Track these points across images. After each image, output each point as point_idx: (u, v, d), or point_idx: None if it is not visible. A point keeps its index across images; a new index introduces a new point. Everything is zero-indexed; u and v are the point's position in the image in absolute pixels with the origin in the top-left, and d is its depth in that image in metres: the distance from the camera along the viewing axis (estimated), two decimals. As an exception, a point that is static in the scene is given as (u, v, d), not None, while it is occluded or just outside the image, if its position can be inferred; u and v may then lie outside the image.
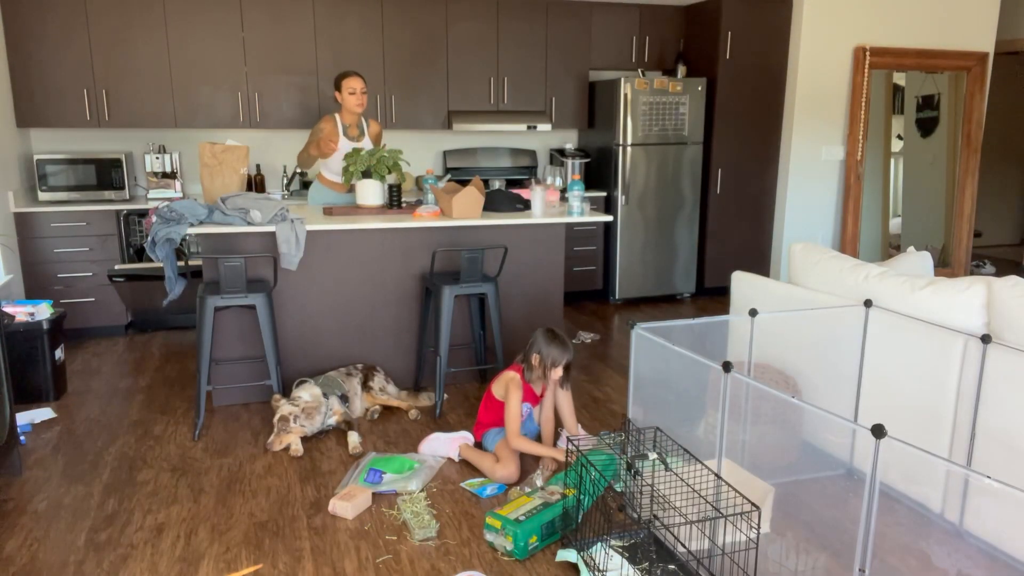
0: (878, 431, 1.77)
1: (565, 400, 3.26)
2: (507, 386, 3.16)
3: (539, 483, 2.89)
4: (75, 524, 2.74)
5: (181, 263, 3.94)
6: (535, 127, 5.76)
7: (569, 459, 2.61)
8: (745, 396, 2.88)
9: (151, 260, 4.90)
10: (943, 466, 2.62)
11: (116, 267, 4.87)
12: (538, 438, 3.30)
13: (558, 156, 6.05)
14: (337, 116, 4.31)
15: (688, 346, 2.51)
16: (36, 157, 4.77)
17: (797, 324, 3.16)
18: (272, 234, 3.69)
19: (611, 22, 5.90)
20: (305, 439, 3.42)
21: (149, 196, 5.11)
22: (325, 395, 3.45)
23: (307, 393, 3.40)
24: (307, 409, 3.34)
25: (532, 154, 6.14)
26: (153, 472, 3.13)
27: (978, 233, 8.25)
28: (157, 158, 5.13)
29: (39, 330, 3.80)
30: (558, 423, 3.45)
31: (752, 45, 5.75)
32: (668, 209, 5.84)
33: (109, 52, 4.92)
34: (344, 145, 4.29)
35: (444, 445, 3.27)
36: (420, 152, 5.97)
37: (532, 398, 3.25)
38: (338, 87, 4.24)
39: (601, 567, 2.29)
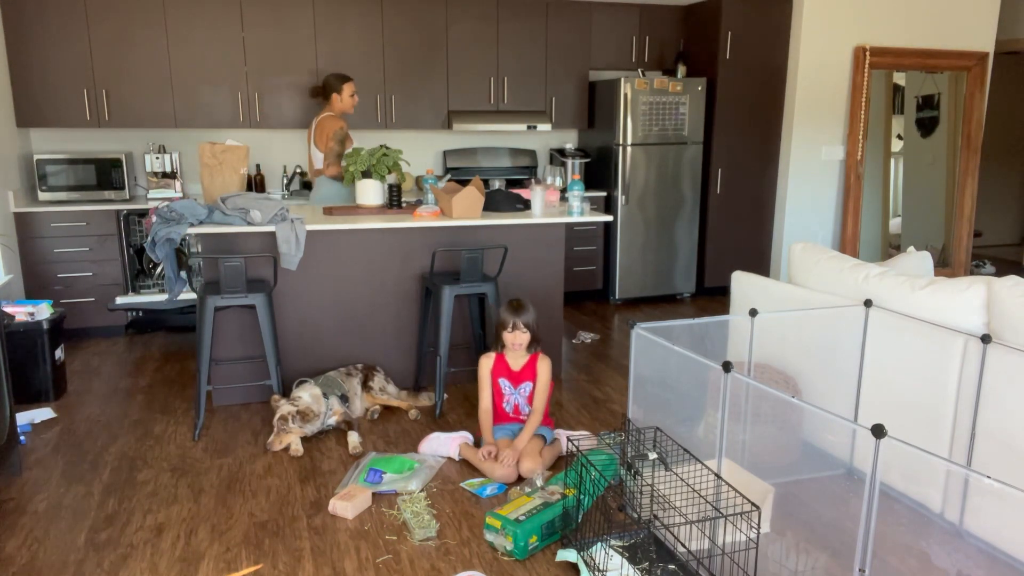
0: (878, 431, 1.77)
1: (543, 374, 3.25)
2: (480, 360, 3.27)
3: (539, 483, 2.89)
4: (75, 524, 2.74)
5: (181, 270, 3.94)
6: (535, 127, 5.76)
7: (569, 459, 2.61)
8: (745, 396, 2.88)
9: (150, 291, 4.97)
10: (943, 466, 2.62)
11: (118, 300, 4.90)
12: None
13: (558, 156, 6.05)
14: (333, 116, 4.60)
15: (688, 346, 2.51)
16: (36, 157, 4.78)
17: (797, 324, 3.16)
18: (272, 234, 3.69)
19: (611, 22, 5.90)
20: (305, 439, 3.42)
21: (149, 196, 5.11)
22: (325, 395, 3.45)
23: (307, 393, 3.40)
24: (306, 410, 3.34)
25: (532, 154, 6.14)
26: (153, 472, 3.13)
27: (978, 233, 8.25)
28: (157, 158, 5.13)
29: (39, 330, 3.80)
30: (560, 423, 3.46)
31: (752, 45, 5.75)
32: (668, 209, 5.84)
33: (109, 52, 4.92)
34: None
35: (444, 444, 3.27)
36: (420, 152, 5.97)
37: (509, 374, 3.25)
38: (339, 89, 4.58)
39: (601, 567, 2.29)
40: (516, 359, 3.25)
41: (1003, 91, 7.96)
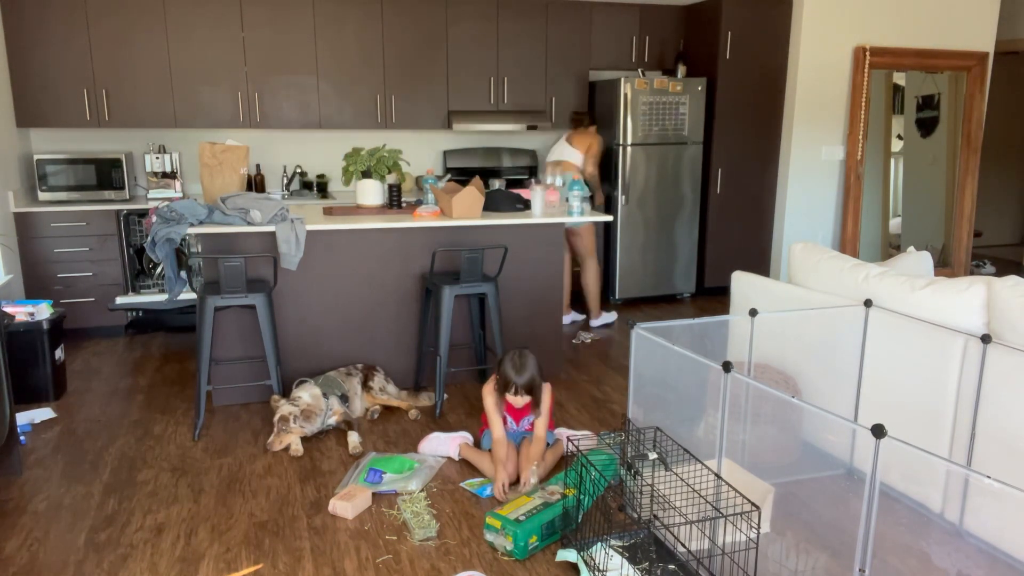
0: (878, 431, 1.77)
1: (544, 405, 3.13)
2: (484, 390, 3.16)
3: (533, 480, 2.89)
4: (75, 524, 2.74)
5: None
6: (535, 127, 5.76)
7: (569, 460, 2.61)
8: (745, 396, 2.88)
9: (150, 291, 4.97)
10: (943, 466, 2.62)
11: (118, 300, 4.90)
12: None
13: (558, 156, 6.04)
14: None
15: (688, 346, 2.51)
16: (36, 157, 4.77)
17: (797, 324, 3.16)
18: (272, 234, 3.69)
19: (611, 22, 5.90)
20: (305, 439, 3.42)
21: (149, 196, 5.11)
22: (325, 395, 3.45)
23: (307, 393, 3.40)
24: (307, 410, 3.34)
25: (532, 154, 6.14)
26: (153, 472, 3.13)
27: (978, 233, 8.25)
28: (157, 158, 5.13)
29: (39, 330, 3.80)
30: (560, 423, 3.45)
31: (752, 45, 5.75)
32: (668, 209, 5.84)
33: (109, 52, 4.92)
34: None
35: (444, 444, 3.27)
36: (420, 152, 5.97)
37: (510, 409, 3.17)
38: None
39: (601, 567, 2.29)
40: (518, 399, 3.15)
41: (1003, 91, 7.96)
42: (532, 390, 3.05)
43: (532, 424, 3.22)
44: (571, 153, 5.18)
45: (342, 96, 5.39)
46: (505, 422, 3.20)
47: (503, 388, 3.08)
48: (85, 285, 4.87)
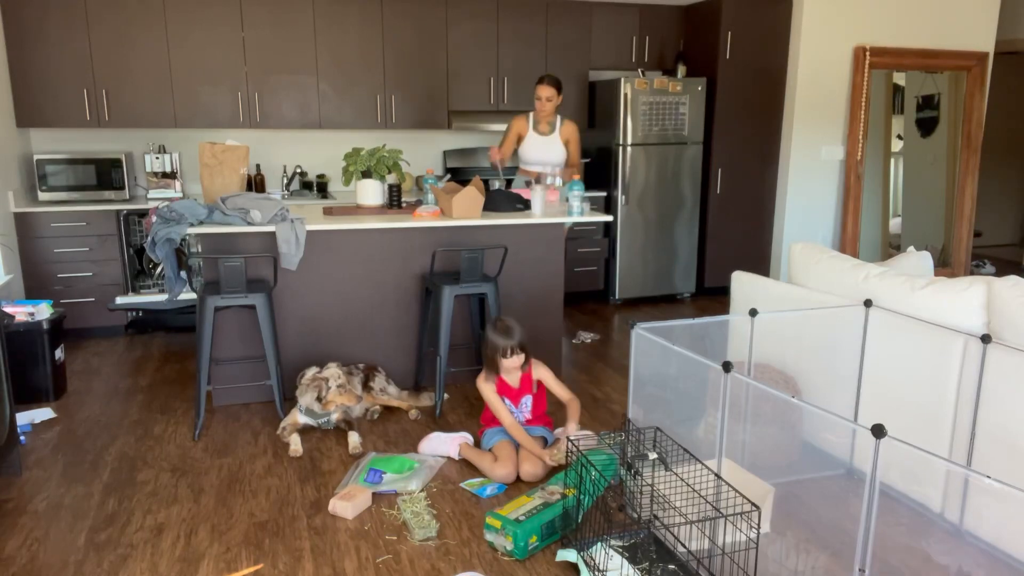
0: (878, 431, 1.77)
1: (546, 376, 3.27)
2: (479, 383, 3.22)
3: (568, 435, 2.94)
4: (75, 524, 2.74)
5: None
6: (535, 127, 5.75)
7: (569, 459, 2.61)
8: (745, 396, 2.88)
9: (150, 291, 4.97)
10: (943, 466, 2.62)
11: (118, 300, 4.90)
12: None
13: (558, 156, 6.04)
14: (531, 114, 4.70)
15: (688, 346, 2.51)
16: (36, 157, 4.77)
17: (797, 324, 3.16)
18: (272, 234, 3.69)
19: (611, 22, 5.90)
20: (305, 439, 3.42)
21: (149, 196, 5.11)
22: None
23: (309, 373, 3.47)
24: (333, 376, 3.43)
25: (532, 154, 6.14)
26: (153, 472, 3.13)
27: (978, 233, 8.24)
28: (157, 158, 5.13)
29: (39, 330, 3.80)
30: (560, 423, 3.46)
31: (752, 45, 5.75)
32: (668, 209, 5.84)
33: (109, 52, 4.92)
34: (533, 139, 4.70)
35: (444, 444, 3.27)
36: (420, 152, 5.97)
37: (509, 392, 3.22)
38: (535, 90, 4.62)
39: (601, 567, 2.29)
40: (513, 377, 3.24)
41: (1003, 91, 7.96)
42: (524, 347, 3.16)
43: (531, 408, 3.27)
44: (554, 151, 4.72)
45: (342, 96, 5.39)
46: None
47: (495, 366, 3.16)
48: (85, 285, 4.87)
